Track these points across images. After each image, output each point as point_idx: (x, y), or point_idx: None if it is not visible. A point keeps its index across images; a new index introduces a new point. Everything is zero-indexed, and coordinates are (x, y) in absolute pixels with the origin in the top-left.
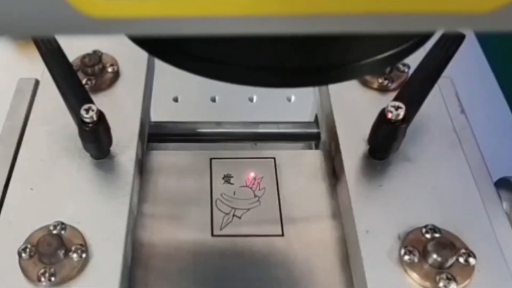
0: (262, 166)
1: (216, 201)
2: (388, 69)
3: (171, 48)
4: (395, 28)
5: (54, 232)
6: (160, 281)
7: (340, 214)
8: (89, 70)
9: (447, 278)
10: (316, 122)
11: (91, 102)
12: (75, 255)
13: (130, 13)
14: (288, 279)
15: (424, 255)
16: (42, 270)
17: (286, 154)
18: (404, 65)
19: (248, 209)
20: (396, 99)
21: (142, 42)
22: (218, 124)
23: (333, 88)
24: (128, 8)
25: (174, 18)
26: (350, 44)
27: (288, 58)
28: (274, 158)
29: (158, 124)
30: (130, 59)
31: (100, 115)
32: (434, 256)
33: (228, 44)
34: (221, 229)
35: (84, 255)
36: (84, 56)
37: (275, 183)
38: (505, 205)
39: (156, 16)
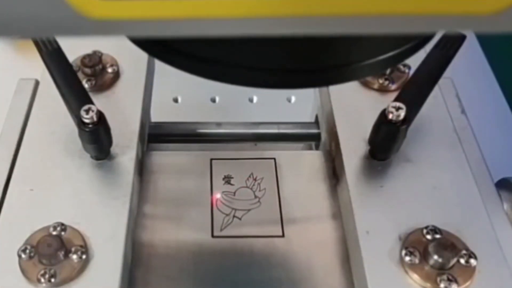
0: (262, 167)
1: (216, 202)
2: (388, 70)
3: (171, 49)
4: (397, 29)
5: (54, 233)
6: (161, 282)
7: (341, 214)
8: (89, 71)
9: (448, 279)
10: (316, 122)
11: (91, 102)
12: (75, 256)
13: (129, 15)
14: (289, 280)
15: (425, 256)
16: (42, 271)
17: (286, 154)
18: (404, 65)
19: (249, 210)
20: (396, 99)
21: (142, 43)
22: (218, 124)
23: (333, 88)
24: (127, 10)
25: (173, 20)
26: (351, 45)
27: (288, 59)
28: (274, 159)
29: (158, 125)
30: (130, 59)
31: (100, 115)
32: (435, 257)
33: (228, 45)
34: (221, 230)
35: (84, 256)
36: (84, 57)
37: (276, 183)
38: (505, 205)
39: (155, 18)
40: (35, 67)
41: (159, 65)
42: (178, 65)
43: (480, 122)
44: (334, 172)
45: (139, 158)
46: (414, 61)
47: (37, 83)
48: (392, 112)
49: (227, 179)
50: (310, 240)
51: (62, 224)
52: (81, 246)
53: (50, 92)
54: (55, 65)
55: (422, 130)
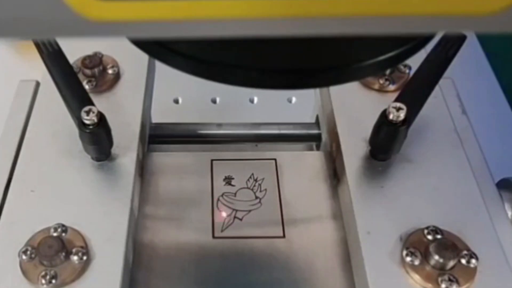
0: (263, 167)
1: (217, 203)
2: (389, 70)
3: (171, 50)
4: (397, 29)
5: (55, 234)
6: (161, 283)
7: (342, 215)
8: (90, 72)
9: (449, 280)
10: (317, 123)
11: (92, 104)
12: (76, 257)
13: (128, 16)
14: (290, 281)
15: (426, 256)
16: (43, 273)
17: (287, 155)
18: (405, 66)
19: (249, 211)
20: (397, 100)
21: (142, 44)
22: (219, 125)
23: (334, 89)
24: (126, 11)
25: (173, 21)
26: (351, 45)
27: (289, 59)
28: (275, 159)
29: (159, 126)
30: (131, 60)
31: (101, 117)
32: (436, 257)
33: (227, 45)
34: (222, 231)
35: (85, 257)
36: (84, 58)
37: (276, 184)
38: (506, 206)
39: (154, 19)
40: (36, 68)
41: (159, 66)
42: (178, 66)
43: (481, 122)
44: (335, 172)
45: (139, 159)
46: (415, 61)
47: (37, 84)
48: (392, 113)
49: (228, 180)
50: (311, 240)
51: (63, 225)
52: (82, 247)
53: (50, 94)
54: (56, 66)
55: (423, 131)
